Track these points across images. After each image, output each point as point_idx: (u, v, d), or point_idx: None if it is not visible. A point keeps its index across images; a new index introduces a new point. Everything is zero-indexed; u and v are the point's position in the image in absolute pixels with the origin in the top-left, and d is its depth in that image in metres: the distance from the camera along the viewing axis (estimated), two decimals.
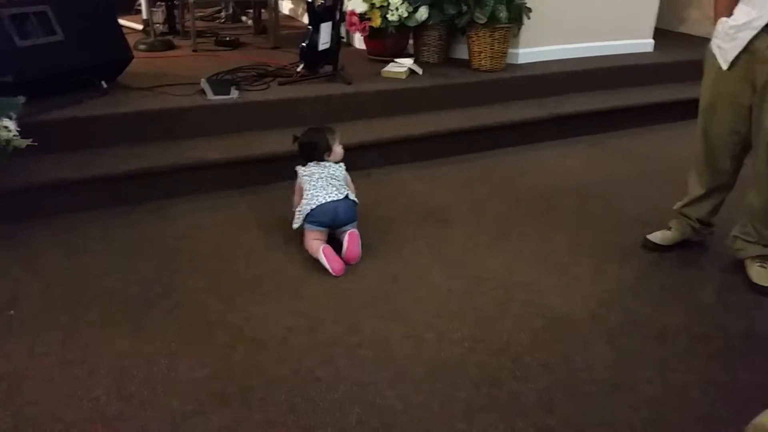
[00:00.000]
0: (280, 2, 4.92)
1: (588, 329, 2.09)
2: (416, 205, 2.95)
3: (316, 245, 2.41)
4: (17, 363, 1.83)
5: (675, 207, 2.59)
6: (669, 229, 2.61)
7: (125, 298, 2.15)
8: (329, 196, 2.45)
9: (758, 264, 2.38)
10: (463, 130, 3.59)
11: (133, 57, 3.37)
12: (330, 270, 2.35)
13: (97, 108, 2.99)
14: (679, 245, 2.59)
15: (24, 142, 2.54)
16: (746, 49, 2.13)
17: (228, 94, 3.24)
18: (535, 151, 3.71)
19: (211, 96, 3.20)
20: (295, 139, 2.62)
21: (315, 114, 3.41)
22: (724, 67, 2.21)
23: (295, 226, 2.51)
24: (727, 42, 2.19)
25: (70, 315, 2.05)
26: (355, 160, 3.22)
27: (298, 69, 3.69)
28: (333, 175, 2.54)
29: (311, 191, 2.47)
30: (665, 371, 1.91)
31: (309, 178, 2.51)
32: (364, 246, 2.49)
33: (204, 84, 3.27)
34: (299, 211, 2.49)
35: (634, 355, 1.97)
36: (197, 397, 1.73)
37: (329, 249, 2.39)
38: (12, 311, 2.05)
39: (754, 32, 2.09)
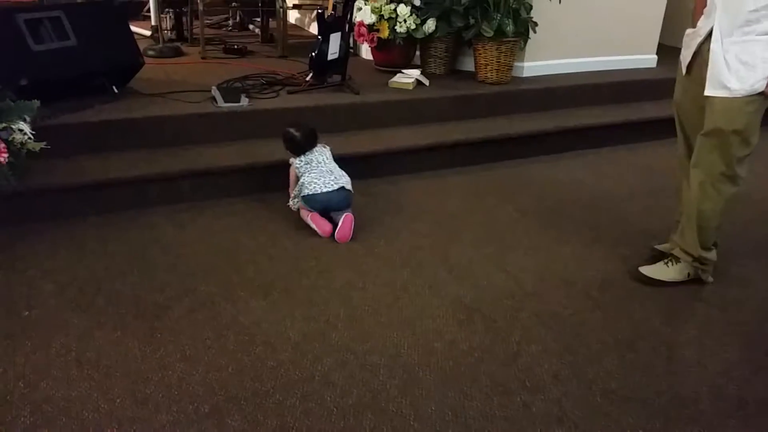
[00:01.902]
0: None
1: (598, 341, 2.12)
2: (424, 215, 2.98)
3: (306, 213, 2.77)
4: (34, 363, 1.84)
5: (675, 218, 2.64)
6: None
7: (138, 301, 2.17)
8: (325, 186, 2.72)
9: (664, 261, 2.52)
10: (470, 142, 3.63)
11: (144, 63, 3.40)
12: (318, 232, 2.71)
13: (109, 113, 3.02)
14: None
15: (38, 145, 2.57)
16: (696, 54, 2.29)
17: (238, 101, 3.27)
18: (540, 163, 3.74)
19: (221, 103, 3.23)
20: (289, 133, 2.83)
21: (323, 122, 3.43)
22: (683, 72, 2.40)
23: (293, 206, 2.81)
24: (684, 50, 2.37)
25: (85, 317, 2.07)
26: (362, 170, 3.27)
27: (307, 78, 3.72)
28: (326, 159, 2.82)
29: (309, 177, 2.74)
30: (675, 384, 1.93)
31: (308, 166, 2.78)
32: (373, 255, 2.54)
33: (215, 91, 3.30)
34: (297, 192, 2.78)
35: (644, 368, 2.00)
36: (212, 401, 1.74)
37: (317, 215, 2.75)
38: (27, 312, 2.07)
39: (701, 39, 2.25)
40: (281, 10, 4.47)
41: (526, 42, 4.10)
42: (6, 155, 2.42)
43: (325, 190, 2.70)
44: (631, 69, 4.72)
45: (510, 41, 3.94)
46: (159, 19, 4.41)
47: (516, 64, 4.16)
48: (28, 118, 2.54)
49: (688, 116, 2.45)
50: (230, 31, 5.51)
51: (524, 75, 4.31)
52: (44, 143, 2.58)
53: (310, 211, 2.76)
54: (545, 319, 2.21)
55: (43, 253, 2.44)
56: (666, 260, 2.51)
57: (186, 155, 2.97)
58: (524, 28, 3.96)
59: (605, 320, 2.24)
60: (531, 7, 3.97)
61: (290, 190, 2.86)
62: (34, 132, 2.51)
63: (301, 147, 2.81)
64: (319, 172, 2.76)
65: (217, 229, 2.71)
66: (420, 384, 1.87)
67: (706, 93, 2.22)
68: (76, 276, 2.30)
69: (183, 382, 1.80)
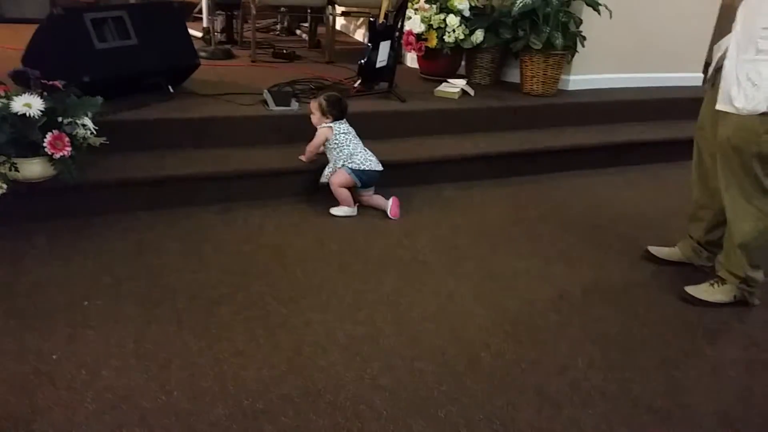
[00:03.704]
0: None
1: (644, 358, 2.11)
2: (467, 224, 3.00)
3: (341, 182, 2.91)
4: (95, 352, 1.90)
5: (691, 213, 2.70)
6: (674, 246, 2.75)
7: (193, 297, 2.23)
8: (377, 165, 2.95)
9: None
10: (514, 153, 3.64)
11: (200, 64, 3.49)
12: (346, 209, 2.94)
13: (165, 111, 3.11)
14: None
15: (98, 140, 2.66)
16: (719, 69, 2.32)
17: (288, 105, 3.33)
18: (584, 177, 3.73)
19: (272, 107, 3.29)
20: (335, 96, 2.99)
21: (369, 129, 3.47)
22: (710, 86, 2.43)
23: (328, 174, 2.94)
24: (712, 64, 2.45)
25: (142, 309, 2.13)
26: (406, 177, 3.31)
27: (355, 84, 3.78)
28: (355, 133, 3.01)
29: (358, 151, 2.93)
30: (722, 403, 1.92)
31: (347, 136, 2.95)
32: (417, 262, 2.60)
33: (266, 95, 3.37)
34: (340, 161, 2.90)
35: (690, 388, 1.99)
36: (266, 397, 1.78)
37: (348, 192, 2.95)
38: (86, 302, 2.14)
39: (721, 53, 2.33)
40: (330, 17, 4.54)
41: (573, 55, 4.10)
42: (69, 149, 2.50)
43: (377, 168, 2.94)
44: (678, 86, 4.68)
45: (558, 54, 3.95)
46: (211, 21, 4.50)
47: (562, 77, 4.16)
48: (90, 114, 2.63)
49: (705, 127, 2.48)
50: (278, 35, 5.60)
51: (570, 88, 4.31)
52: (104, 139, 2.68)
53: (347, 183, 2.92)
54: (592, 334, 2.21)
55: (100, 246, 2.52)
56: (712, 281, 2.49)
57: (237, 156, 3.04)
58: (572, 41, 3.97)
59: (651, 338, 2.23)
60: (581, 21, 3.97)
61: (312, 151, 3.00)
62: (97, 128, 2.59)
63: (343, 113, 2.97)
64: (362, 148, 2.96)
65: (266, 230, 2.77)
66: (468, 392, 1.88)
67: (717, 107, 2.29)
68: (133, 270, 2.37)
69: (237, 378, 1.85)
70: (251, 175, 2.98)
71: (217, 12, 4.89)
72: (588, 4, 3.89)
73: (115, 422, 1.65)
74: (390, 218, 2.95)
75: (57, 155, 2.47)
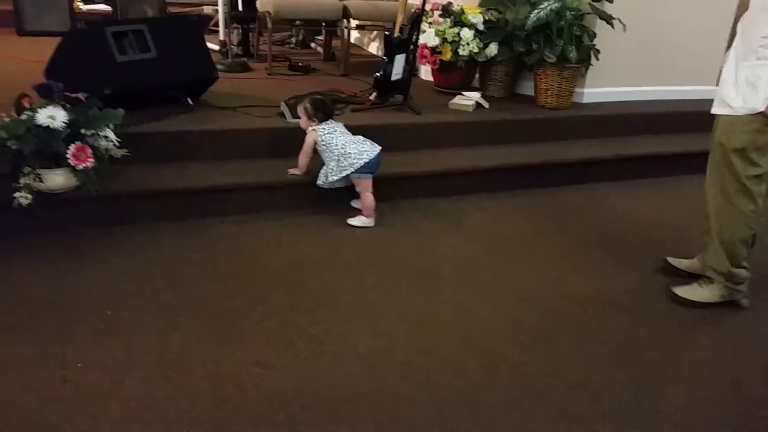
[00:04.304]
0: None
1: (664, 372, 2.11)
2: (482, 236, 3.01)
3: (372, 202, 2.97)
4: (118, 361, 1.93)
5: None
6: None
7: (214, 307, 2.26)
8: (372, 148, 2.94)
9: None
10: (529, 165, 3.66)
11: (218, 77, 3.54)
12: (366, 219, 2.98)
13: (184, 124, 3.15)
14: None
15: (120, 152, 2.70)
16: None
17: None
18: (599, 190, 3.74)
19: (289, 119, 3.33)
20: (319, 100, 3.01)
21: (385, 141, 3.48)
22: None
23: (325, 183, 2.96)
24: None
25: (163, 319, 2.16)
26: (422, 189, 3.33)
27: (371, 97, 3.81)
28: (344, 129, 3.01)
29: (353, 147, 2.90)
30: (739, 418, 1.92)
31: (333, 135, 2.93)
32: (433, 274, 2.61)
33: (283, 107, 3.41)
34: (338, 166, 2.89)
35: (712, 402, 1.98)
36: (287, 407, 1.80)
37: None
38: (109, 311, 2.17)
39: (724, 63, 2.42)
40: (346, 30, 4.59)
41: (587, 69, 4.12)
42: (92, 160, 2.55)
43: (375, 153, 2.94)
44: (691, 99, 4.69)
45: (572, 67, 3.97)
46: (228, 34, 4.57)
47: (576, 89, 4.18)
48: (112, 126, 2.67)
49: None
50: (293, 48, 5.67)
51: (584, 101, 4.33)
52: (126, 150, 2.72)
53: (368, 185, 2.96)
54: (611, 347, 2.22)
55: (122, 255, 2.55)
56: (699, 281, 2.55)
57: (255, 167, 3.07)
58: (586, 54, 3.99)
59: (672, 351, 2.23)
60: (594, 35, 4.00)
61: (303, 158, 2.99)
62: (120, 140, 2.64)
63: (329, 115, 2.99)
64: (353, 138, 2.96)
65: (284, 240, 2.79)
66: (487, 405, 1.89)
67: (712, 111, 2.39)
68: (153, 279, 2.40)
69: (258, 388, 1.87)
70: (269, 187, 3.01)
71: (234, 25, 4.96)
72: (602, 18, 3.91)
73: (140, 431, 1.68)
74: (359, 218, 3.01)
75: (80, 166, 2.51)
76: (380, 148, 2.99)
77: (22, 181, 2.46)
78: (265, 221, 2.95)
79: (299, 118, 3.31)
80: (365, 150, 2.93)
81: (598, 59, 4.02)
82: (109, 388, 1.81)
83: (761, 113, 2.22)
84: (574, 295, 2.54)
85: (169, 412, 1.75)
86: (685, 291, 2.55)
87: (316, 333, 2.16)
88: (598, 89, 4.37)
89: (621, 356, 2.17)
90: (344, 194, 3.10)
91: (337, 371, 1.98)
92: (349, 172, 2.89)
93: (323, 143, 2.94)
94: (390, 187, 3.17)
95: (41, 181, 2.50)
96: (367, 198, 2.97)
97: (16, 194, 2.45)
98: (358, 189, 2.99)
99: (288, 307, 2.30)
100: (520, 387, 1.98)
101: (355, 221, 2.98)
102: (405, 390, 1.92)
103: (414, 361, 2.06)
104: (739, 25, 2.35)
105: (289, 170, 3.06)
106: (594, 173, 3.84)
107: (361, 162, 2.89)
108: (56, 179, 2.55)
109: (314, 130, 2.96)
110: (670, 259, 2.80)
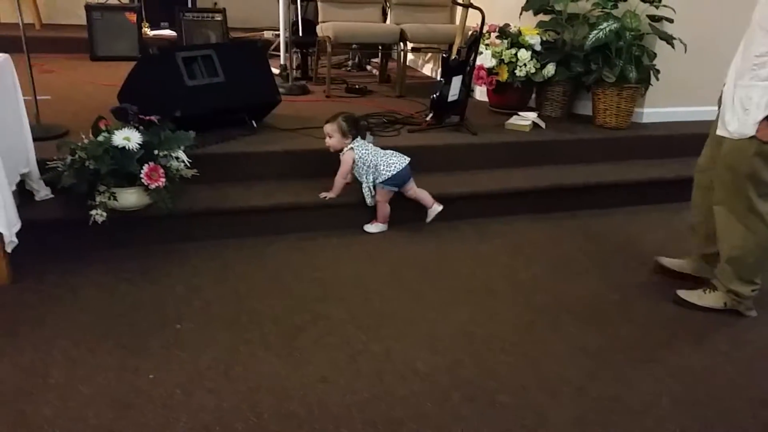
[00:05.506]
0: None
1: (729, 397, 2.05)
2: (540, 256, 2.99)
3: (385, 197, 3.04)
4: (187, 374, 2.00)
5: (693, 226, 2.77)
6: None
7: (277, 322, 2.32)
8: (403, 160, 3.03)
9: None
10: (588, 186, 3.62)
11: (281, 100, 3.65)
12: (382, 224, 3.09)
13: (250, 145, 3.27)
14: None
15: (190, 172, 2.81)
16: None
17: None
18: (660, 212, 3.66)
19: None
20: (353, 117, 3.08)
21: (441, 161, 3.56)
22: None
23: (372, 198, 3.06)
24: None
25: (230, 333, 2.23)
26: (479, 209, 3.34)
27: (427, 118, 3.86)
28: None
29: (384, 160, 3.00)
30: None
31: (367, 150, 3.02)
32: (492, 293, 2.61)
33: None
34: (374, 180, 3.01)
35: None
36: (351, 424, 1.83)
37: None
38: (179, 325, 2.26)
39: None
40: (402, 53, 4.67)
41: (647, 89, 4.06)
42: (164, 180, 2.66)
43: (404, 164, 3.01)
44: None
45: (631, 87, 3.93)
46: (288, 58, 4.71)
47: (636, 109, 4.12)
48: (183, 147, 2.79)
49: (709, 147, 2.60)
50: (349, 71, 5.78)
51: (644, 121, 4.27)
52: (195, 171, 2.83)
53: (389, 196, 3.04)
54: (675, 373, 2.16)
55: (190, 271, 2.65)
56: (705, 288, 2.59)
57: (318, 187, 3.14)
58: (646, 74, 3.94)
59: (737, 376, 2.16)
60: (655, 55, 3.95)
61: (340, 180, 3.05)
62: (191, 160, 2.75)
63: (362, 131, 3.07)
64: (382, 153, 3.03)
65: (343, 259, 2.85)
66: (551, 428, 1.87)
67: (717, 132, 2.43)
68: (220, 294, 2.48)
69: (322, 403, 1.91)
70: (329, 206, 3.08)
71: (294, 49, 5.10)
72: (662, 38, 3.86)
73: None
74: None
75: (152, 186, 2.63)
76: (408, 159, 3.06)
77: (98, 199, 2.60)
78: (325, 239, 3.01)
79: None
80: (393, 161, 3.01)
81: (658, 79, 3.96)
82: (179, 400, 1.88)
83: (754, 137, 2.23)
84: (639, 320, 2.50)
85: (238, 425, 1.80)
86: (688, 294, 2.59)
87: (377, 350, 2.19)
88: (658, 109, 4.30)
89: (688, 382, 2.11)
90: (400, 213, 3.14)
91: (399, 389, 2.00)
92: (380, 180, 3.00)
93: (361, 161, 3.01)
94: (447, 207, 3.18)
95: (115, 200, 2.63)
96: (385, 207, 3.08)
97: (92, 212, 2.59)
98: (378, 198, 3.06)
99: (349, 323, 2.34)
100: (584, 411, 1.95)
101: (372, 228, 3.10)
102: (468, 411, 1.92)
103: (476, 382, 2.06)
104: (742, 42, 2.36)
105: (322, 195, 3.08)
106: (655, 195, 3.76)
107: (392, 172, 2.98)
108: (130, 198, 2.67)
109: (351, 149, 3.02)
110: (662, 260, 2.86)
